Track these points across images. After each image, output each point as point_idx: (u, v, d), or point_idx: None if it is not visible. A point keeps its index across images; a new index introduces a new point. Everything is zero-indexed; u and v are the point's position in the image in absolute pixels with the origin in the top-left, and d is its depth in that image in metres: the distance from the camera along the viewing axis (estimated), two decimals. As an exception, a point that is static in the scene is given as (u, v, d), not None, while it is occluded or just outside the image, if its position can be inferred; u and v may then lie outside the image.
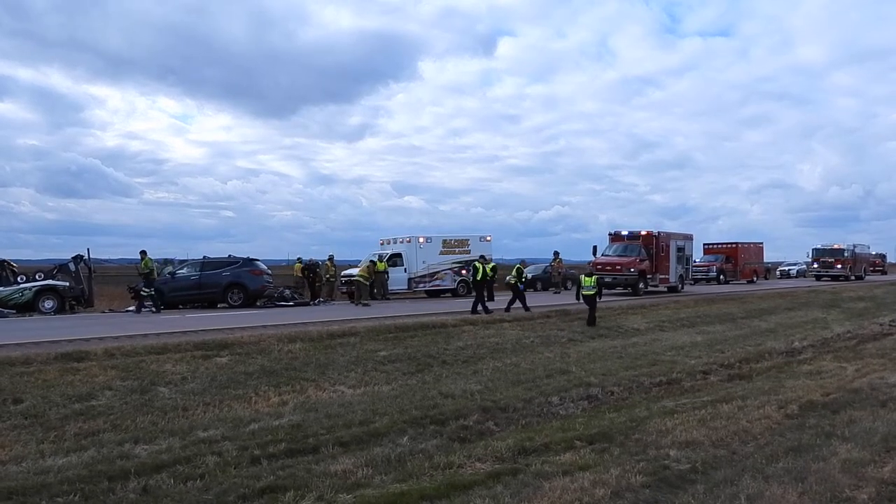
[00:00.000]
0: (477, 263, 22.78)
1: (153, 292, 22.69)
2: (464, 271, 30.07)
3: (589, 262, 31.56)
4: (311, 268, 29.09)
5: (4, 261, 24.15)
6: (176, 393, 10.41)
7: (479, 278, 21.48)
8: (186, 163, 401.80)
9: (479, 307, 20.29)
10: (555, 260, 34.70)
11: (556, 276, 34.17)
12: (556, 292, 32.22)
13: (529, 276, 33.42)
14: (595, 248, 31.61)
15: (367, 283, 26.48)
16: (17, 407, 9.25)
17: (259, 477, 6.95)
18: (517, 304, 21.27)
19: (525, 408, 10.58)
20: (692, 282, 38.42)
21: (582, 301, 20.64)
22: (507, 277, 21.86)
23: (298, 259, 31.18)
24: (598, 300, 20.46)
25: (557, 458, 7.69)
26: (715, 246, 46.23)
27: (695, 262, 39.16)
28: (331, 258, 30.77)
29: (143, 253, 23.25)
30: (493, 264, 28.32)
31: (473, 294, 22.17)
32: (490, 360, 14.32)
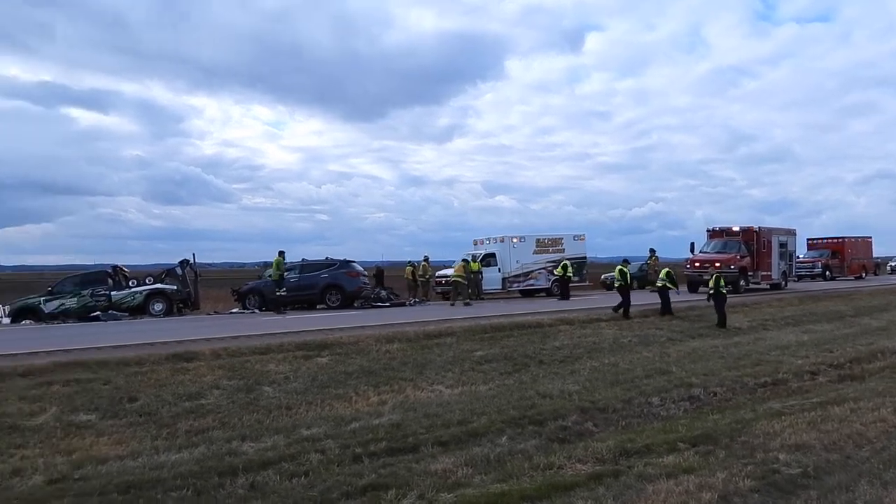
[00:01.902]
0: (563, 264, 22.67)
1: (284, 293, 23.30)
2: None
3: (686, 260, 30.79)
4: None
5: (117, 266, 25.36)
6: (279, 392, 10.69)
7: (626, 282, 20.88)
8: (281, 168, 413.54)
9: (620, 309, 19.91)
10: (651, 258, 33.94)
11: (653, 274, 33.41)
12: (652, 291, 31.53)
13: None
14: (692, 244, 30.81)
15: (466, 283, 26.53)
16: (133, 405, 9.68)
17: (361, 475, 7.05)
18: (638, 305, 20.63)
19: (625, 408, 10.38)
20: (796, 278, 36.98)
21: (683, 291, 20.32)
22: (658, 281, 21.15)
23: (409, 262, 31.63)
24: (674, 295, 20.21)
25: (660, 460, 7.51)
26: (819, 241, 44.32)
27: (798, 258, 37.66)
28: (426, 259, 31.08)
29: (281, 254, 23.87)
30: (566, 262, 28.08)
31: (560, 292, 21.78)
32: (587, 360, 14.13)
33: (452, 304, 25.48)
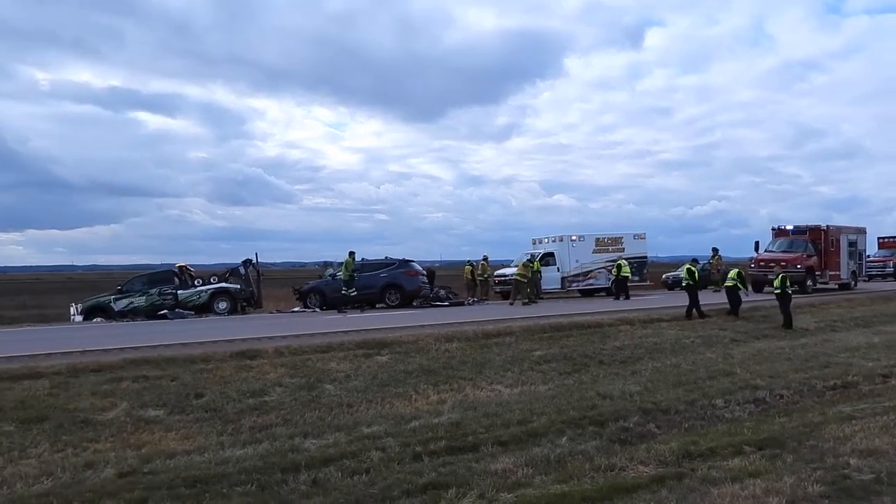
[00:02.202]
0: (620, 263, 22.33)
1: (353, 292, 23.62)
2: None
3: (751, 259, 30.13)
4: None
5: (183, 266, 25.97)
6: (340, 390, 10.82)
7: (694, 281, 20.48)
8: (341, 169, 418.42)
9: (694, 310, 19.64)
10: (713, 257, 33.29)
11: (716, 273, 32.77)
12: (715, 290, 30.89)
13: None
14: (757, 243, 30.11)
15: (526, 282, 26.43)
16: (199, 401, 9.92)
17: (421, 473, 7.08)
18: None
19: (687, 410, 10.20)
20: (866, 278, 35.82)
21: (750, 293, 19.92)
22: (728, 280, 20.71)
23: (468, 262, 31.70)
24: (744, 296, 19.73)
25: (725, 463, 7.36)
26: (891, 239, 42.81)
27: (868, 257, 36.48)
28: (485, 258, 31.07)
29: (352, 254, 24.17)
30: (623, 262, 27.74)
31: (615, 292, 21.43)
32: (649, 361, 13.94)
33: (512, 304, 25.41)
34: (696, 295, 20.04)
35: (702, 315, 19.34)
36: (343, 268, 23.74)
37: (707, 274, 33.60)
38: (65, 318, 26.22)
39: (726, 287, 20.18)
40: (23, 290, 62.59)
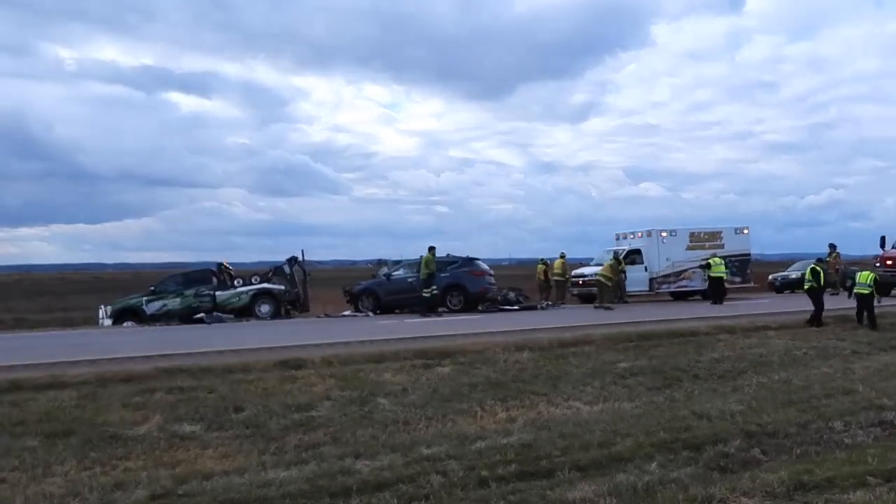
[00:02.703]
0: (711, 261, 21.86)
1: (435, 291, 23.87)
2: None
3: (875, 257, 29.26)
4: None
5: (221, 264, 26.46)
6: (396, 405, 10.88)
7: (819, 284, 20.04)
8: (396, 155, 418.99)
9: (816, 318, 19.27)
10: (830, 255, 32.43)
11: (833, 273, 31.92)
12: (833, 293, 30.10)
13: (798, 274, 31.63)
14: (883, 238, 29.18)
15: (611, 284, 26.19)
16: (239, 416, 10.10)
17: (488, 501, 7.07)
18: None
19: (799, 434, 9.96)
20: None
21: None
22: (862, 287, 20.13)
23: (541, 260, 31.63)
24: (876, 302, 19.03)
25: (845, 496, 7.15)
26: None
27: None
28: (562, 256, 30.89)
29: (432, 249, 24.35)
30: (716, 258, 27.23)
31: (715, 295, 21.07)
32: (753, 375, 13.67)
33: (598, 308, 25.19)
34: (821, 300, 19.54)
35: (817, 323, 18.86)
36: (422, 265, 23.81)
37: (824, 275, 32.80)
38: (92, 321, 27.06)
39: (859, 294, 19.53)
40: (47, 290, 64.67)
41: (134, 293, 26.62)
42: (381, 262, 32.61)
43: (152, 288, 25.13)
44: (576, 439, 9.28)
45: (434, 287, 23.78)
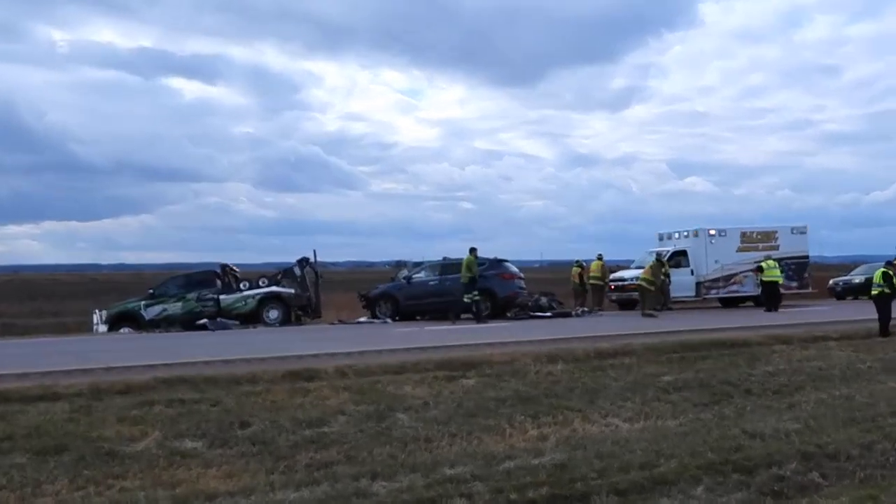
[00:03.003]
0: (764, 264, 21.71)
1: (476, 297, 23.91)
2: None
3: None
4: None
5: (226, 266, 26.63)
6: (416, 421, 10.89)
7: (885, 290, 19.87)
8: (416, 146, 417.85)
9: (883, 327, 19.12)
10: (900, 257, 32.18)
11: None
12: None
13: (863, 279, 31.37)
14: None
15: (653, 288, 26.08)
16: (245, 431, 10.14)
17: (517, 527, 7.07)
18: None
19: (863, 456, 9.87)
20: None
21: None
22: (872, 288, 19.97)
23: (576, 262, 31.60)
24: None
25: (913, 525, 7.10)
26: None
27: None
28: (599, 258, 30.84)
29: (473, 251, 24.39)
30: (769, 261, 27.03)
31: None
32: (811, 391, 13.56)
33: (644, 315, 25.10)
34: (889, 307, 19.36)
35: (885, 333, 18.70)
36: (464, 268, 23.80)
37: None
38: (87, 327, 27.28)
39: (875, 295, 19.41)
40: (37, 293, 65.29)
41: (131, 296, 26.84)
42: (400, 264, 32.76)
43: (151, 291, 25.33)
44: (614, 460, 9.25)
45: (476, 292, 23.75)
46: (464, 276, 23.67)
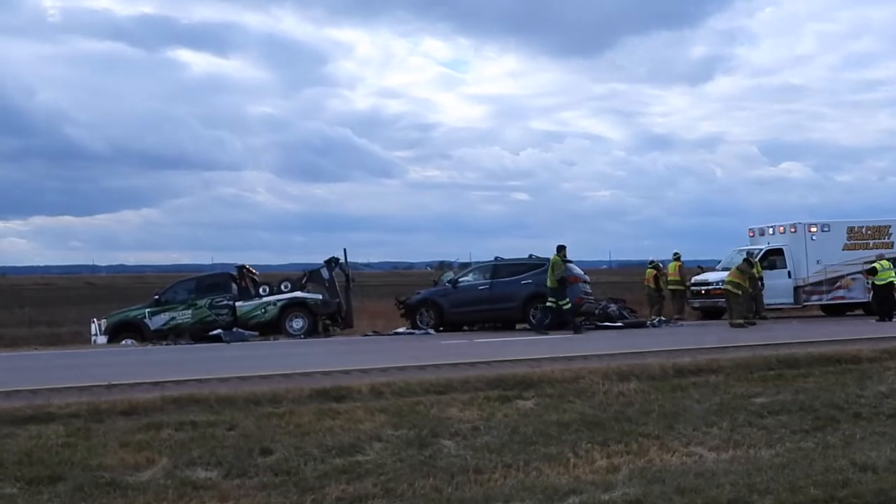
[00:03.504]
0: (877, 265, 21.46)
1: (567, 304, 23.92)
2: None
3: None
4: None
5: (243, 267, 26.78)
6: (465, 448, 10.89)
7: None
8: (462, 127, 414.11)
9: None
10: None
11: None
12: None
13: None
14: None
15: (742, 294, 25.85)
16: (266, 459, 10.21)
17: (584, 574, 7.06)
18: None
19: None
20: None
21: None
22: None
23: (651, 262, 31.45)
24: None
25: None
26: None
27: None
28: (676, 257, 30.63)
29: (562, 250, 24.34)
30: (883, 262, 26.68)
31: None
32: (933, 416, 13.38)
33: (732, 325, 24.91)
34: None
35: None
36: (550, 270, 23.75)
37: None
38: (83, 338, 27.65)
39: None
40: (27, 299, 66.03)
41: (134, 303, 27.15)
42: (444, 266, 32.77)
43: (157, 297, 25.56)
44: (698, 495, 9.20)
45: (567, 299, 23.67)
46: (550, 279, 23.56)
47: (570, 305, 23.81)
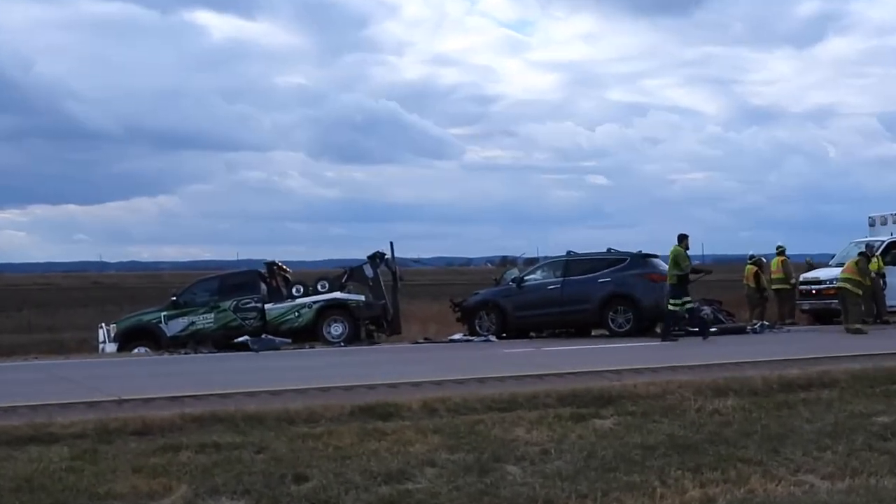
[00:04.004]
0: None
1: (688, 305, 23.97)
2: None
3: None
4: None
5: (273, 264, 26.87)
6: (532, 475, 10.86)
7: None
8: (528, 99, 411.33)
9: None
10: None
11: None
12: None
13: None
14: None
15: (861, 294, 25.60)
16: (301, 487, 10.25)
17: None
18: None
19: None
20: None
21: None
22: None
23: (751, 257, 31.24)
24: None
25: None
26: None
27: None
28: (781, 252, 30.35)
29: (683, 240, 24.32)
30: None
31: None
32: None
33: (849, 330, 24.69)
34: None
35: None
36: (670, 264, 23.69)
37: None
38: (89, 346, 27.98)
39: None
40: (25, 300, 66.84)
41: (148, 306, 27.40)
42: (507, 262, 32.77)
43: (174, 298, 25.73)
44: (809, 532, 9.14)
45: (688, 298, 23.61)
46: (671, 274, 23.46)
47: (692, 305, 23.76)
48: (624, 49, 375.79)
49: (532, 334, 25.89)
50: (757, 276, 30.22)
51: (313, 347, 24.24)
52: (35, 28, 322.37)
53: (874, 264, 26.88)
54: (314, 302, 25.43)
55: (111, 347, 25.15)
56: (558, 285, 25.55)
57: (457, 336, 26.22)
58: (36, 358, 24.99)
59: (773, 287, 30.04)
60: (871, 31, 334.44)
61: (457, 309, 27.13)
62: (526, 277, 26.77)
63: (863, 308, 25.78)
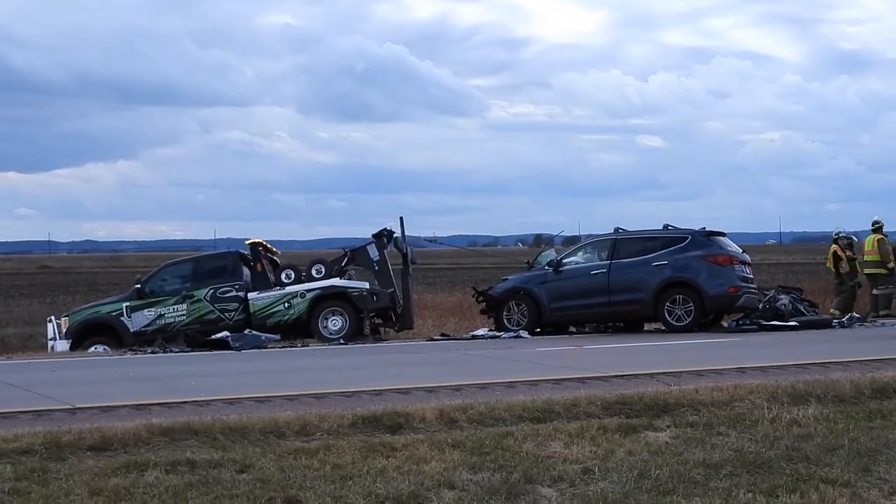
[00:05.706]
0: None
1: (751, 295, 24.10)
2: None
3: None
4: None
5: (258, 245, 26.88)
6: (572, 499, 10.92)
7: None
8: (565, 44, 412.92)
9: None
10: None
11: None
12: None
13: None
14: None
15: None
16: (292, 513, 10.34)
17: None
18: None
19: None
20: None
21: None
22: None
23: (836, 234, 31.13)
24: None
25: None
26: None
27: None
28: (877, 228, 30.20)
29: (878, 228, 24.38)
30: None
31: None
32: None
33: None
34: None
35: None
36: (878, 248, 23.86)
37: None
38: (36, 343, 28.13)
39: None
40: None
41: (107, 295, 27.52)
42: (542, 242, 32.76)
43: (138, 286, 25.75)
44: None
45: (753, 286, 23.81)
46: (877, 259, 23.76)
47: (750, 296, 23.86)
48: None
49: (572, 329, 25.95)
50: (836, 256, 29.98)
51: (307, 345, 24.31)
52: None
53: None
54: (308, 290, 25.38)
55: (63, 345, 25.20)
56: (604, 270, 25.49)
57: (481, 332, 26.23)
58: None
59: (866, 271, 29.91)
60: None
61: (481, 299, 27.15)
62: (564, 261, 26.71)
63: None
